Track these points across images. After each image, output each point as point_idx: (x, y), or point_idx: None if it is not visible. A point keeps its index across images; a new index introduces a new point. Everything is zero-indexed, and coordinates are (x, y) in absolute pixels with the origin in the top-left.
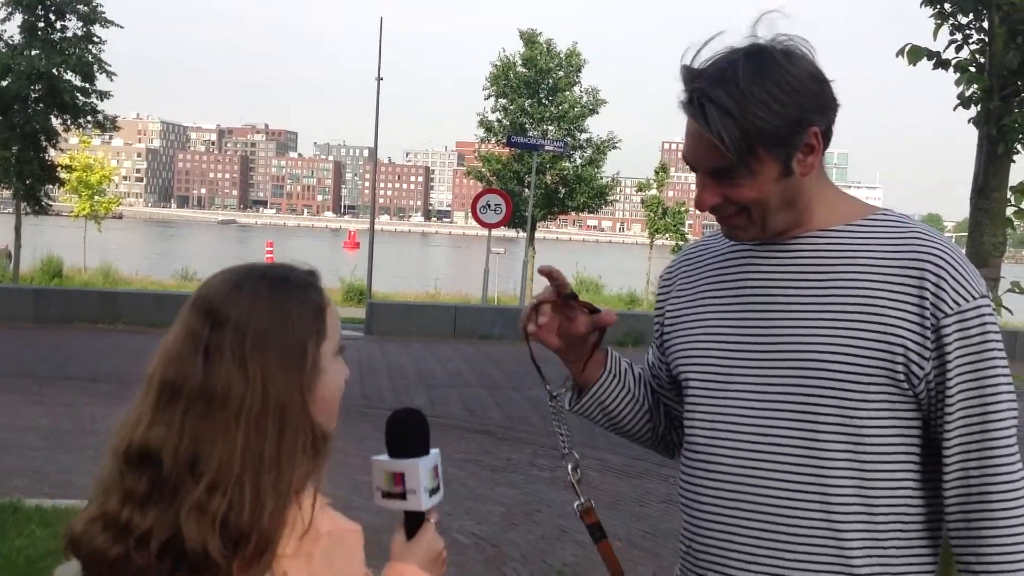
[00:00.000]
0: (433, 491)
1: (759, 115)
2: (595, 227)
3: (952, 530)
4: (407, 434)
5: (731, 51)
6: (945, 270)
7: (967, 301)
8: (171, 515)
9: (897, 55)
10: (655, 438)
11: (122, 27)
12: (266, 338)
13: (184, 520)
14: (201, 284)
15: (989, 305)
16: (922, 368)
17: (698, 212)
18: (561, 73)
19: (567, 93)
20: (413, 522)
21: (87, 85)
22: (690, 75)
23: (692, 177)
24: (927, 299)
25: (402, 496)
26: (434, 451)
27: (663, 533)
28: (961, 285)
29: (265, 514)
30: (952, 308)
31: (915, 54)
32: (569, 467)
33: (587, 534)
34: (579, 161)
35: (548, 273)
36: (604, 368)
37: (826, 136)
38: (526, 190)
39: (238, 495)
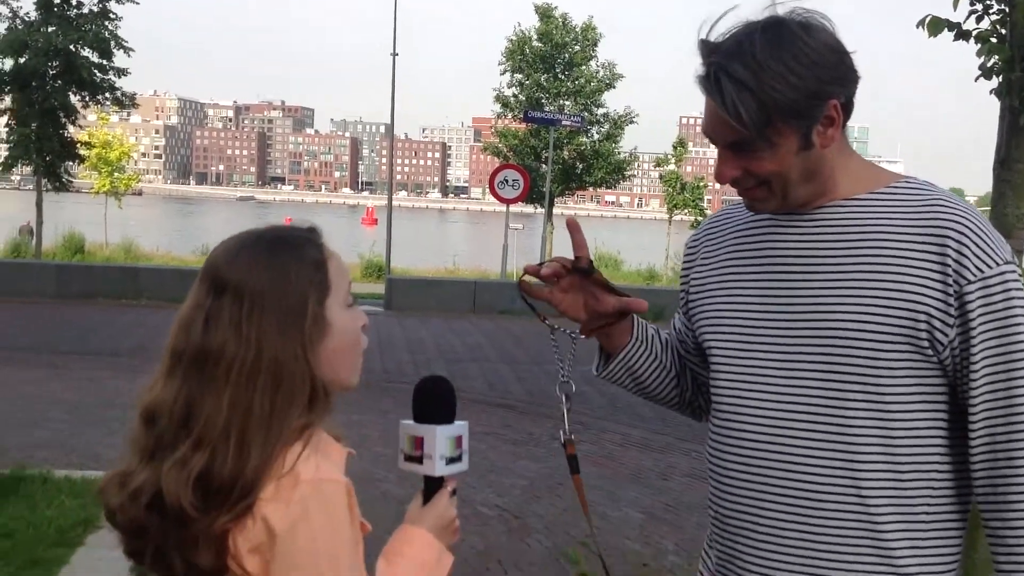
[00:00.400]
0: (452, 460)
1: (776, 88)
2: (613, 203)
3: (980, 496)
4: (431, 400)
5: (748, 24)
6: (968, 236)
7: (990, 268)
8: (160, 470)
9: (917, 26)
10: (682, 402)
11: (138, 3)
12: (264, 300)
13: (164, 475)
14: (209, 254)
15: (1015, 271)
16: (946, 335)
17: (717, 187)
18: (577, 47)
19: (583, 67)
20: (430, 488)
21: (104, 62)
22: (707, 49)
23: (711, 152)
24: (950, 266)
25: (419, 460)
26: (460, 422)
27: (685, 506)
28: (984, 251)
29: (248, 467)
30: (975, 275)
31: (935, 25)
32: (563, 397)
33: (610, 506)
34: (596, 136)
35: (572, 227)
36: (631, 335)
37: (847, 108)
38: (543, 165)
39: (222, 449)
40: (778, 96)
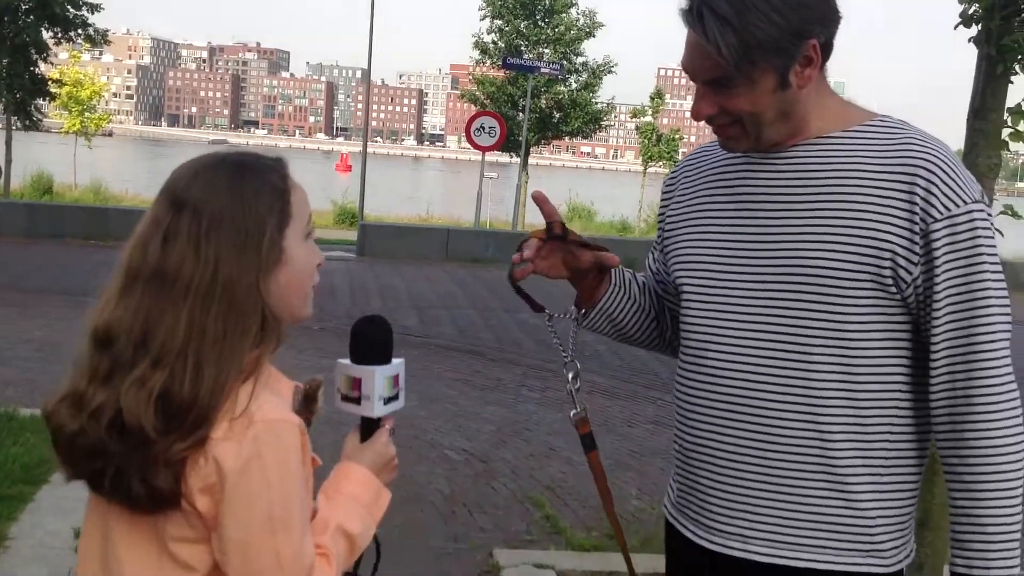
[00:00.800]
0: (389, 399)
1: (758, 25)
2: (588, 154)
3: (938, 433)
4: (368, 341)
5: None
6: (936, 175)
7: (957, 206)
8: (119, 390)
9: None
10: (663, 343)
11: None
12: (222, 220)
13: (123, 394)
14: (171, 173)
15: (983, 211)
16: (910, 273)
17: (693, 140)
18: None
19: (564, 15)
20: (368, 427)
21: None
22: None
23: (687, 104)
24: (917, 204)
25: (357, 401)
26: (396, 361)
27: (649, 451)
28: (952, 190)
29: (204, 388)
30: (942, 213)
31: None
32: (569, 375)
33: (575, 451)
34: (574, 85)
35: (539, 200)
36: (609, 282)
37: (825, 49)
38: (520, 114)
39: (180, 368)
40: (759, 33)
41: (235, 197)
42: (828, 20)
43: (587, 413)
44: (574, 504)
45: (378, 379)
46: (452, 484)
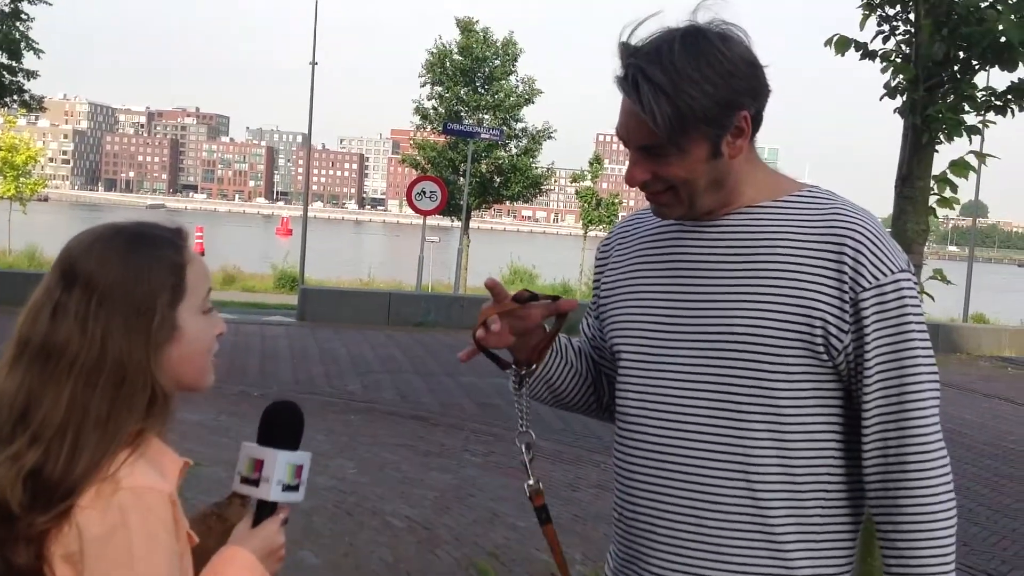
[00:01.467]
0: (288, 488)
1: (692, 95)
2: (530, 217)
3: (872, 500)
4: (276, 425)
5: (668, 31)
6: (864, 245)
7: (885, 275)
8: None
9: (825, 45)
10: (600, 408)
11: (51, 4)
12: (112, 295)
13: None
14: (67, 243)
15: (910, 280)
16: (841, 341)
17: (632, 204)
18: (497, 62)
19: (503, 82)
20: (262, 512)
21: (13, 63)
22: (627, 51)
23: (625, 169)
24: (846, 273)
25: (255, 483)
26: (304, 453)
27: (593, 516)
28: (880, 260)
29: (79, 467)
30: (870, 282)
31: (843, 44)
32: (523, 447)
33: (520, 516)
34: (514, 151)
35: (492, 287)
36: (553, 345)
37: (756, 120)
38: (461, 178)
39: (56, 447)
40: (692, 103)
41: (127, 272)
42: (758, 92)
43: (541, 486)
44: (518, 570)
45: (280, 463)
46: (395, 552)
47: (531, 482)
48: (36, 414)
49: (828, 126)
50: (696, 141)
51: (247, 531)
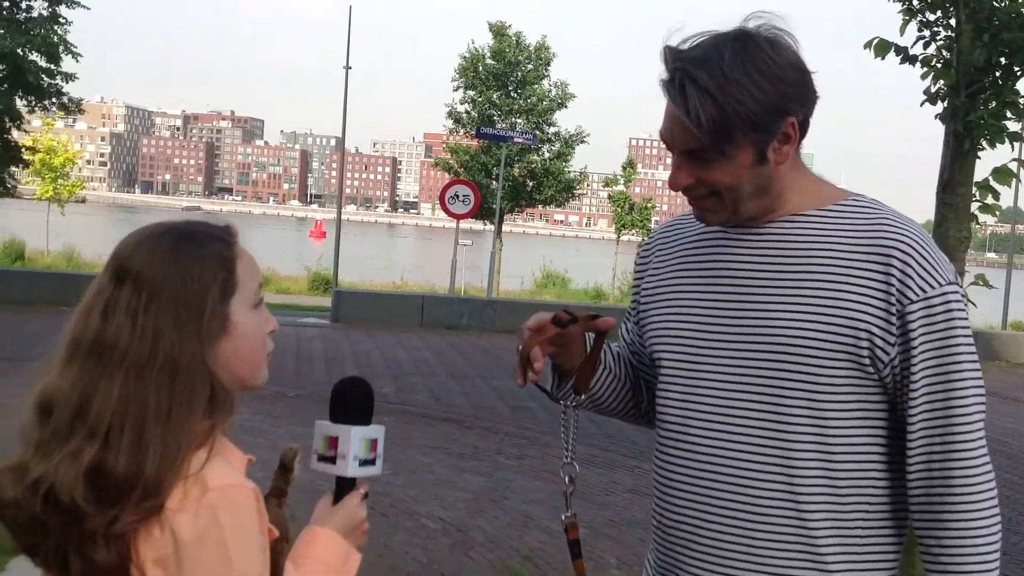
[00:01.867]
0: (365, 462)
1: (739, 100)
2: (562, 221)
3: (915, 514)
4: (348, 401)
5: (717, 35)
6: (912, 256)
7: (933, 288)
8: (54, 462)
9: (865, 47)
10: (639, 414)
11: (88, 8)
12: (162, 291)
13: (56, 466)
14: (118, 243)
15: (957, 292)
16: (887, 353)
17: (665, 208)
18: (530, 66)
19: (536, 86)
20: (342, 489)
21: (52, 66)
22: (673, 55)
23: (659, 174)
24: (893, 285)
25: (332, 460)
26: (377, 426)
27: (627, 521)
28: (928, 272)
29: (148, 463)
30: (918, 295)
31: (882, 48)
32: (566, 478)
33: (553, 520)
34: (547, 155)
35: (534, 327)
36: (586, 348)
37: (803, 127)
38: (494, 182)
39: (115, 442)
40: (740, 108)
41: (177, 267)
42: (806, 99)
43: (577, 519)
44: (552, 574)
45: (355, 438)
46: (429, 554)
47: (568, 514)
48: (91, 410)
49: (866, 131)
50: (742, 147)
51: (328, 509)
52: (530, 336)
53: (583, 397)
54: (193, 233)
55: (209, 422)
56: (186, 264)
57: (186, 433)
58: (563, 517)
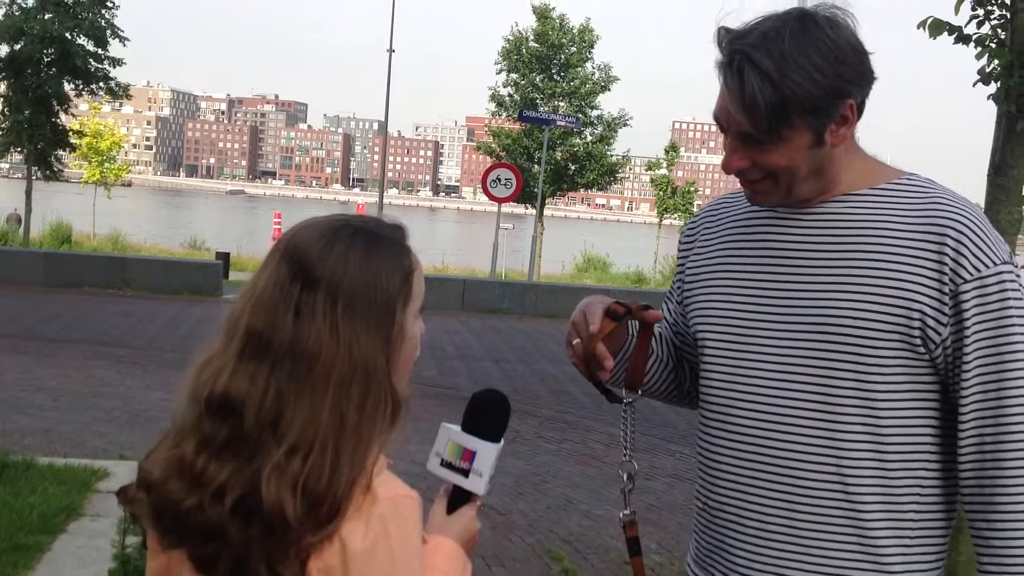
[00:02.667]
0: (492, 478)
1: (799, 82)
2: (603, 205)
3: (966, 496)
4: (491, 416)
5: (776, 15)
6: (966, 235)
7: (987, 267)
8: (249, 472)
9: (919, 27)
10: (681, 395)
11: None
12: (357, 301)
13: (264, 480)
14: (289, 232)
15: (1012, 272)
16: (939, 334)
17: (708, 192)
18: (573, 49)
19: (579, 69)
20: (459, 499)
21: (99, 51)
22: (729, 36)
23: (702, 157)
24: (946, 264)
25: (464, 473)
26: (503, 442)
27: (668, 506)
28: (982, 251)
29: (342, 480)
30: (971, 274)
31: (937, 27)
32: (624, 476)
33: (593, 504)
34: (589, 138)
35: (598, 329)
36: (628, 334)
37: (860, 108)
38: (536, 166)
39: (319, 459)
40: (799, 91)
41: (370, 277)
42: (865, 81)
43: (636, 517)
44: (592, 558)
45: (493, 457)
46: None
47: (627, 512)
48: (293, 422)
49: (916, 109)
50: (799, 129)
51: (445, 518)
52: (590, 338)
53: (639, 392)
54: (379, 237)
55: (386, 434)
56: (378, 273)
57: (372, 449)
58: (621, 515)
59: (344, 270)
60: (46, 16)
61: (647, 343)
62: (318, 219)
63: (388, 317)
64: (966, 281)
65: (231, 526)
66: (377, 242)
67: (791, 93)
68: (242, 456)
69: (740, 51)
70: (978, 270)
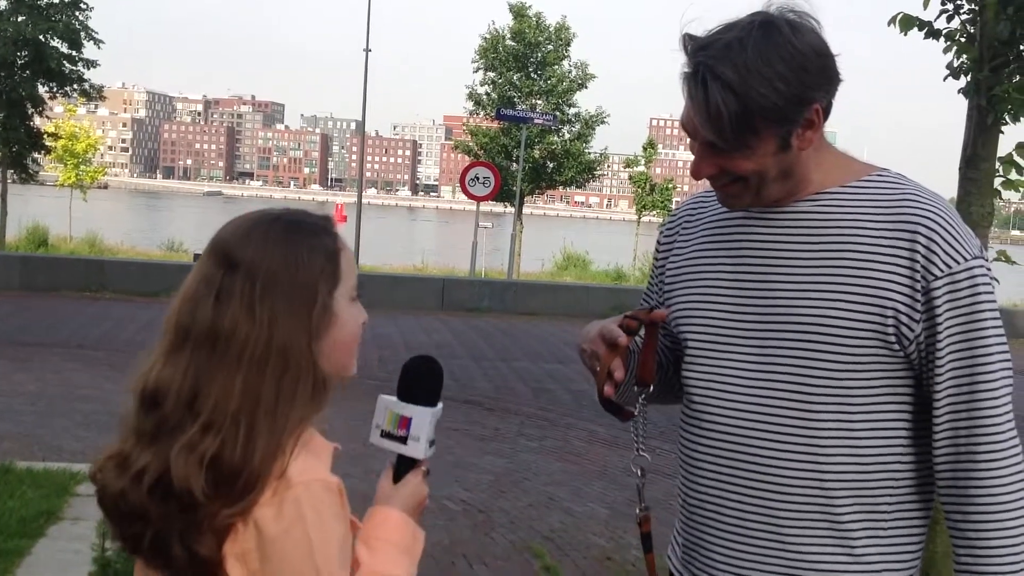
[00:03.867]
0: (432, 443)
1: (763, 92)
2: (582, 203)
3: (941, 489)
4: (423, 381)
5: (738, 23)
6: (936, 232)
7: (958, 263)
8: (165, 452)
9: (889, 23)
10: (671, 392)
11: None
12: (276, 281)
13: (174, 458)
14: (218, 230)
15: (983, 267)
16: (912, 330)
17: (686, 189)
18: (550, 47)
19: (556, 67)
20: (403, 467)
21: (74, 52)
22: (695, 46)
23: (680, 154)
24: (918, 261)
25: (403, 440)
26: (440, 405)
27: (650, 501)
28: (953, 247)
29: (256, 455)
30: (943, 270)
31: (907, 23)
32: (638, 470)
33: (574, 501)
34: (567, 136)
35: (611, 342)
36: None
37: (827, 110)
38: (514, 164)
39: (231, 435)
40: (763, 100)
41: (289, 258)
42: (830, 84)
43: (650, 512)
44: (574, 554)
45: (430, 421)
46: (451, 535)
47: (642, 506)
48: (207, 401)
49: (887, 107)
50: (764, 137)
51: (391, 488)
52: (607, 353)
53: (651, 388)
54: (300, 224)
55: (305, 412)
56: (297, 254)
57: (289, 426)
58: (637, 511)
59: (263, 252)
60: (19, 19)
61: (655, 340)
62: (243, 215)
63: (310, 297)
64: (937, 278)
65: (150, 506)
66: (298, 227)
67: (755, 103)
68: (163, 439)
69: (703, 62)
70: (949, 266)
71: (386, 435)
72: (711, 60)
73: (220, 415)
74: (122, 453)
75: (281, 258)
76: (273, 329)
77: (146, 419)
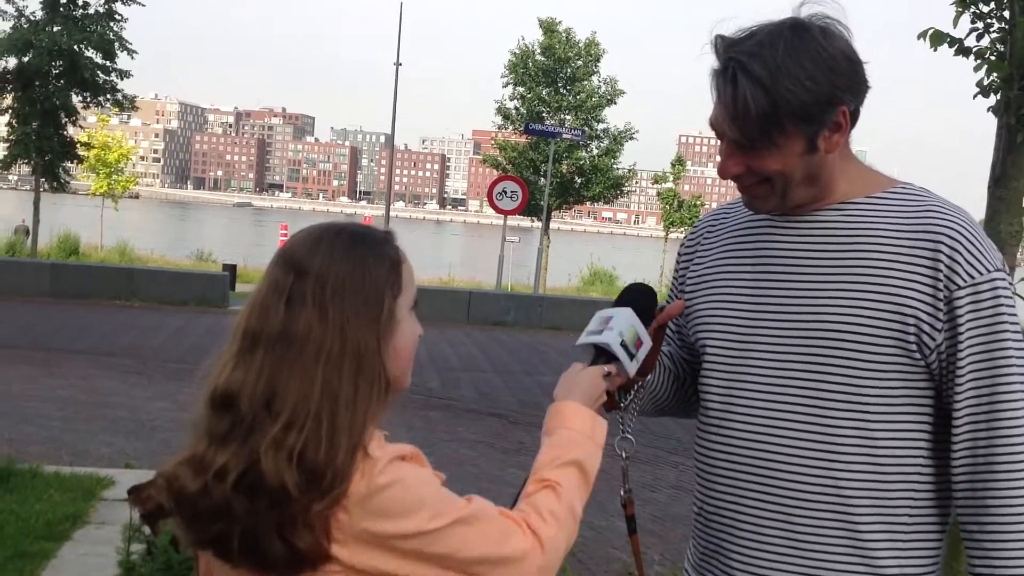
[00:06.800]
0: (626, 347)
1: (791, 89)
2: (610, 219)
3: (959, 499)
4: (635, 294)
5: (769, 24)
6: (960, 243)
7: (980, 274)
8: (246, 450)
9: (919, 37)
10: (688, 405)
11: (144, 5)
12: (345, 286)
13: (263, 455)
14: (285, 242)
15: (1005, 279)
16: (934, 340)
17: (714, 205)
18: (580, 62)
19: (585, 83)
20: (595, 362)
21: (107, 63)
22: (725, 44)
23: (708, 171)
24: (941, 271)
25: (599, 333)
26: (646, 333)
27: (671, 517)
28: (976, 258)
29: (340, 452)
30: (965, 281)
31: (937, 38)
32: (622, 453)
33: (597, 515)
34: (596, 151)
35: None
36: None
37: (854, 116)
38: (542, 179)
39: (314, 432)
40: (792, 98)
41: (357, 265)
42: (858, 89)
43: (632, 495)
44: (597, 569)
45: (628, 317)
46: None
47: (626, 488)
48: (286, 401)
49: (918, 126)
50: (792, 136)
51: (567, 386)
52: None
53: (647, 377)
54: (365, 235)
55: (378, 411)
56: (364, 262)
57: (368, 422)
58: (621, 493)
59: (331, 260)
60: (54, 28)
61: (662, 333)
62: (310, 226)
63: (377, 302)
64: (960, 287)
65: (236, 502)
66: (363, 237)
67: (783, 100)
68: (240, 439)
69: (734, 58)
70: (972, 277)
71: (589, 334)
72: (742, 56)
73: (301, 414)
74: (196, 455)
75: (349, 265)
76: (346, 331)
77: (220, 421)
